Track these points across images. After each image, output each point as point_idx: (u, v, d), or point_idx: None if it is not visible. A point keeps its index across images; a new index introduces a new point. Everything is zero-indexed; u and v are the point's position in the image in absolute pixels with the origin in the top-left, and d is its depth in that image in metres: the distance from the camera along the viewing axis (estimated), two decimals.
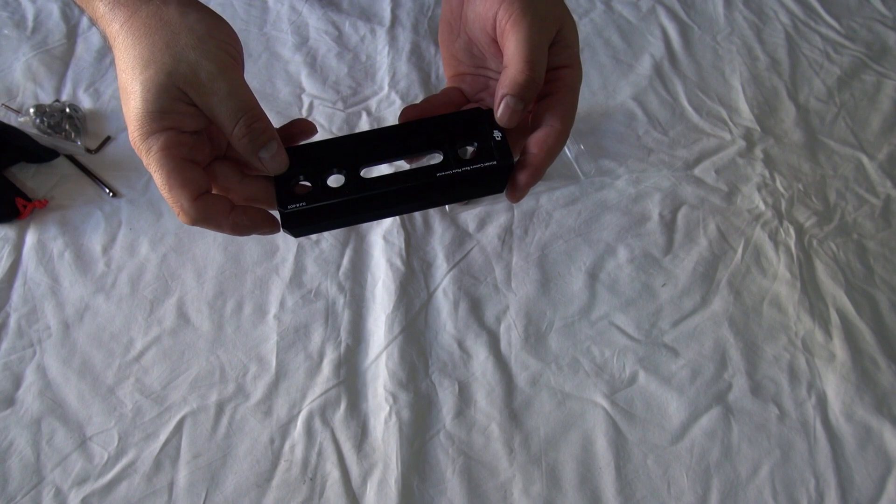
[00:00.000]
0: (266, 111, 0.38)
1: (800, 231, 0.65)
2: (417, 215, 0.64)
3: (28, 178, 0.64)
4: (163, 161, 0.37)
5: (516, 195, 0.42)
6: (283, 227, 0.40)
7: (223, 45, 0.37)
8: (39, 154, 0.65)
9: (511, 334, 0.58)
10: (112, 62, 0.73)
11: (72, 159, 0.66)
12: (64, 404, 0.53)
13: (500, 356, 0.57)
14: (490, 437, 0.53)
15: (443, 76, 0.75)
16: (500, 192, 0.42)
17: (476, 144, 0.41)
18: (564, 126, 0.40)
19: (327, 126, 0.70)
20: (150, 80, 0.36)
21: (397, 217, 0.63)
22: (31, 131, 0.66)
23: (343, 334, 0.57)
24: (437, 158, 0.41)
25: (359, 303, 0.59)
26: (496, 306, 0.59)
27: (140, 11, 0.37)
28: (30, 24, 0.76)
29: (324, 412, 0.53)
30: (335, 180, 0.41)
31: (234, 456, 0.51)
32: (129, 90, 0.36)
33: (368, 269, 0.61)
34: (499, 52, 0.41)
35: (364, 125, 0.70)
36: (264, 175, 0.41)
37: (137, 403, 0.53)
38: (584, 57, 0.78)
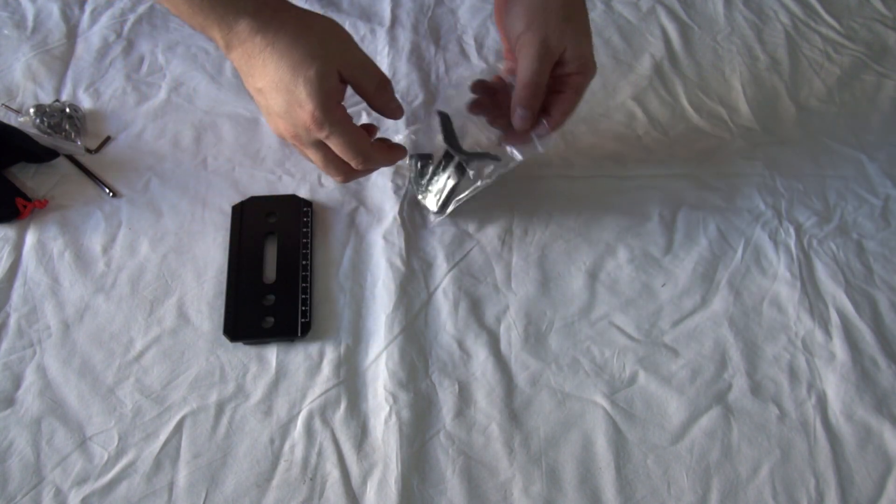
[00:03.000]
0: None
1: (800, 231, 0.65)
2: (417, 215, 0.64)
3: (28, 178, 0.64)
4: (346, 125, 0.49)
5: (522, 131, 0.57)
6: None
7: (351, 38, 0.51)
8: (39, 154, 0.64)
9: (511, 334, 0.58)
10: (111, 63, 0.73)
11: (72, 159, 0.66)
12: (64, 404, 0.53)
13: (500, 356, 0.57)
14: (490, 437, 0.53)
15: (442, 76, 0.76)
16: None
17: None
18: (562, 118, 0.57)
19: None
20: (322, 68, 0.47)
21: (397, 217, 0.63)
22: (31, 131, 0.66)
23: (343, 334, 0.57)
24: None
25: (359, 303, 0.59)
26: (496, 306, 0.59)
27: (288, 23, 0.48)
28: (30, 24, 0.76)
29: (324, 412, 0.53)
30: None
31: (234, 456, 0.51)
32: (300, 78, 0.47)
33: (368, 269, 0.61)
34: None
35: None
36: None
37: (137, 403, 0.53)
38: None
